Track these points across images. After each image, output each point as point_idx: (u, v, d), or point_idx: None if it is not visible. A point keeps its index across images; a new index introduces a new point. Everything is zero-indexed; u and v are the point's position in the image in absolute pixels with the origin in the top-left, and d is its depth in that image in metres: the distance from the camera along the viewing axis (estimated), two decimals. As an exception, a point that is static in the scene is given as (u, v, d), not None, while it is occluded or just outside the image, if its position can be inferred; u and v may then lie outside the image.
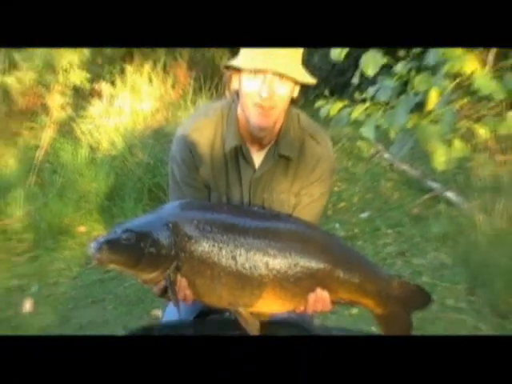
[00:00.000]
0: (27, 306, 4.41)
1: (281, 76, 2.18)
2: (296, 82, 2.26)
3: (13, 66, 7.18)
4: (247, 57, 2.23)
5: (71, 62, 7.36)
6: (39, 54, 7.16)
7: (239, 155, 2.37)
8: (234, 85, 2.33)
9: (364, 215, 5.85)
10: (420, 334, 2.27)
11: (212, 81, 8.52)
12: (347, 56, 5.52)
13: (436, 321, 3.80)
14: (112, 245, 2.02)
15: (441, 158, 4.87)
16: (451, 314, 3.89)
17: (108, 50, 8.82)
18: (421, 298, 2.35)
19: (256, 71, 2.18)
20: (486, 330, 3.70)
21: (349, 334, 2.38)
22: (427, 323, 3.73)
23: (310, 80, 2.27)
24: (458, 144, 4.85)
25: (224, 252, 2.07)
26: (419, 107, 5.12)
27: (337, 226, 5.63)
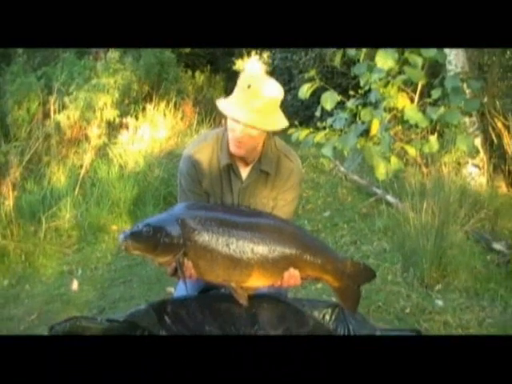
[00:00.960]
0: (74, 285, 4.37)
1: (252, 126, 2.18)
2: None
3: (63, 106, 7.13)
4: (230, 104, 2.22)
5: (105, 102, 7.32)
6: (82, 97, 7.13)
7: (230, 170, 2.36)
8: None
9: (326, 214, 5.77)
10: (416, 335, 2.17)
11: (211, 115, 8.50)
12: (312, 94, 5.58)
13: (380, 292, 3.77)
14: (135, 236, 2.04)
15: (381, 170, 4.84)
16: (390, 286, 3.86)
17: (133, 93, 8.78)
18: (367, 274, 2.37)
19: (233, 118, 2.18)
20: (415, 297, 3.67)
21: (317, 304, 2.36)
22: (373, 293, 3.71)
23: (274, 128, 2.25)
24: (394, 160, 4.84)
25: (220, 241, 2.08)
26: (365, 133, 5.17)
27: (305, 222, 5.53)
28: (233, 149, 2.27)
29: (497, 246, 4.14)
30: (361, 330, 2.24)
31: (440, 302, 3.64)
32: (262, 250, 2.14)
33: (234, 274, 2.14)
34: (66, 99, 7.21)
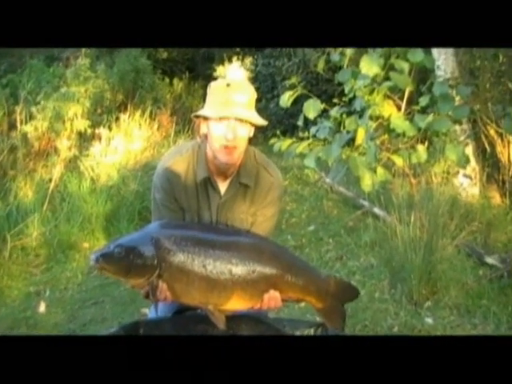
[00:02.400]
0: (42, 307, 4.34)
1: (241, 121, 2.20)
2: (252, 125, 2.27)
3: (30, 117, 7.10)
4: (213, 107, 2.24)
5: (76, 112, 7.26)
6: (51, 107, 7.09)
7: (208, 185, 2.37)
8: (203, 129, 2.32)
9: (310, 228, 5.81)
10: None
11: (189, 125, 8.54)
12: (294, 103, 5.63)
13: (366, 310, 3.80)
14: (106, 257, 2.03)
15: (367, 181, 4.86)
16: (377, 304, 3.89)
17: (106, 102, 8.79)
18: (351, 292, 2.38)
19: (221, 118, 2.19)
20: (403, 315, 3.69)
21: (299, 325, 2.35)
22: (359, 311, 3.74)
23: (263, 122, 2.29)
24: (380, 171, 4.87)
25: (196, 262, 2.07)
26: (350, 143, 5.19)
27: (289, 237, 5.57)
28: (224, 158, 2.27)
29: (489, 259, 4.17)
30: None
31: (430, 320, 3.68)
32: (240, 270, 2.13)
33: (212, 296, 2.13)
34: (34, 109, 7.17)
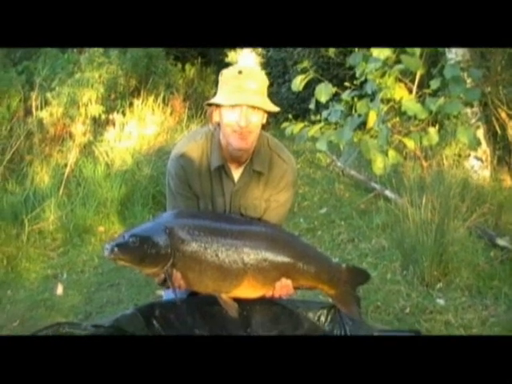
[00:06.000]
0: (59, 290, 4.38)
1: (253, 108, 2.20)
2: (264, 111, 2.27)
3: (45, 103, 7.12)
4: (225, 95, 2.24)
5: (90, 98, 7.27)
6: (65, 93, 7.09)
7: (222, 172, 2.37)
8: (215, 117, 2.33)
9: (322, 211, 5.84)
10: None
11: (202, 110, 8.47)
12: (306, 87, 5.60)
13: (378, 291, 3.81)
14: (121, 247, 2.05)
15: (379, 164, 4.82)
16: (389, 286, 3.90)
17: (119, 88, 8.77)
18: (363, 276, 2.40)
19: (234, 106, 2.20)
20: (415, 296, 3.71)
21: (312, 305, 2.35)
22: (371, 293, 3.75)
23: (275, 108, 2.29)
24: (392, 154, 4.83)
25: (209, 251, 2.09)
26: (361, 126, 5.13)
27: (301, 220, 5.59)
28: (236, 144, 2.27)
29: (501, 241, 4.17)
30: (358, 332, 2.23)
31: (441, 301, 3.68)
32: (252, 259, 2.15)
33: (224, 284, 2.15)
34: (49, 95, 7.18)
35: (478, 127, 5.17)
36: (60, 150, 6.92)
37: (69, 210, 5.69)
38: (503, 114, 5.21)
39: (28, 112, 7.21)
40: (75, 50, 9.02)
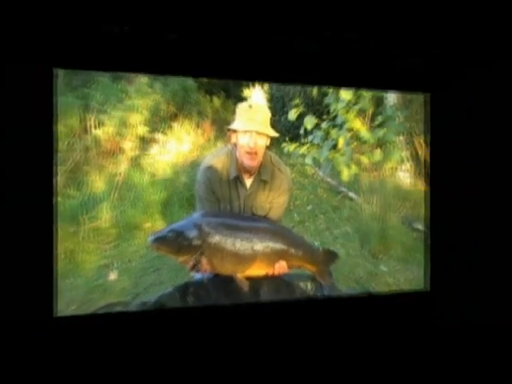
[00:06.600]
0: (112, 276, 4.69)
1: (259, 133, 2.44)
2: (268, 136, 2.50)
3: (100, 123, 7.26)
4: (239, 123, 2.44)
5: (137, 120, 7.64)
6: (117, 116, 7.43)
7: (237, 181, 2.56)
8: (233, 139, 2.53)
9: (309, 207, 6.34)
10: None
11: (224, 132, 8.42)
12: (298, 118, 6.30)
13: (345, 264, 4.30)
14: (161, 240, 2.26)
15: (345, 174, 5.61)
16: (352, 259, 4.41)
17: (161, 113, 8.52)
18: (334, 256, 2.67)
19: (245, 131, 2.44)
20: (368, 265, 4.31)
21: (301, 278, 2.56)
22: (340, 265, 4.13)
23: (275, 134, 2.51)
24: (353, 167, 5.55)
25: (228, 241, 2.31)
26: (334, 147, 5.82)
27: (295, 214, 6.06)
28: (247, 162, 2.44)
29: (418, 225, 4.64)
30: (332, 293, 2.55)
31: (384, 268, 4.25)
32: (259, 247, 2.35)
33: (239, 267, 2.34)
34: (103, 117, 7.21)
35: (405, 149, 5.73)
36: (112, 162, 7.07)
37: (120, 210, 6.05)
38: (419, 142, 5.49)
39: (85, 130, 6.94)
40: (123, 81, 9.08)
